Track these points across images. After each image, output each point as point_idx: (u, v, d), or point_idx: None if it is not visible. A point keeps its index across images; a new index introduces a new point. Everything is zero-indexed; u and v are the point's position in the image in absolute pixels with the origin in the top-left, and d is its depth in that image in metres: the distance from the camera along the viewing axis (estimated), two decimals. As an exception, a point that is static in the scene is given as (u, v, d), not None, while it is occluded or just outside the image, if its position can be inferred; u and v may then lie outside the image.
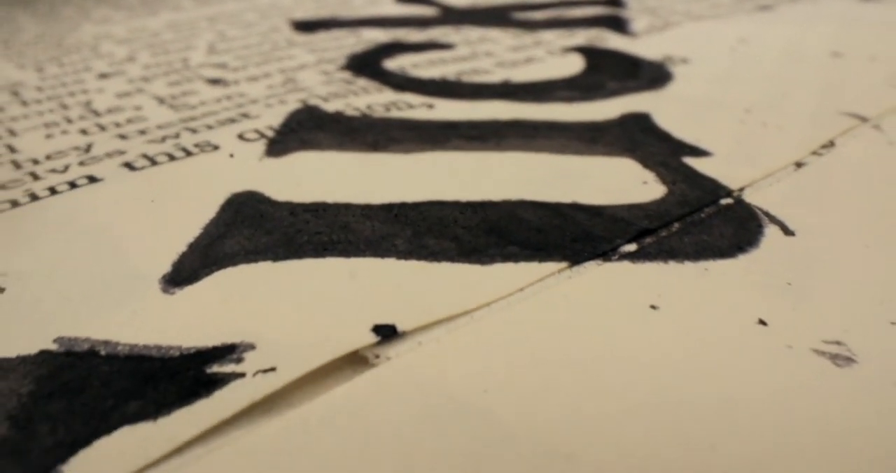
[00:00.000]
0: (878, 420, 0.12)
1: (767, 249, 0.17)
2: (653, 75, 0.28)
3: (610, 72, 0.29)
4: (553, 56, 0.31)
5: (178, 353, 0.14)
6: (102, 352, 0.14)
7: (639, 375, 0.13)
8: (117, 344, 0.14)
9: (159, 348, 0.14)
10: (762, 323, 0.14)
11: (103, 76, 0.31)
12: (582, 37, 0.33)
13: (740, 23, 0.36)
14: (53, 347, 0.14)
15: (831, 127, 0.23)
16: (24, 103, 0.28)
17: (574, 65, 0.30)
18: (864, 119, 0.24)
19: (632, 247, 0.17)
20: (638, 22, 0.36)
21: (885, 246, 0.17)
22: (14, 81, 0.31)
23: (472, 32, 0.35)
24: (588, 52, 0.31)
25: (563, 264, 0.16)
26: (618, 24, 0.35)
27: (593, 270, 0.16)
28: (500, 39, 0.33)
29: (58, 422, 0.12)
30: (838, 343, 0.14)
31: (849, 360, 0.13)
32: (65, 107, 0.27)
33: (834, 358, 0.13)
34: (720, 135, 0.23)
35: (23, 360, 0.14)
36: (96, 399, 0.13)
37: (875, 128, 0.23)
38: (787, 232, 0.17)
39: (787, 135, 0.23)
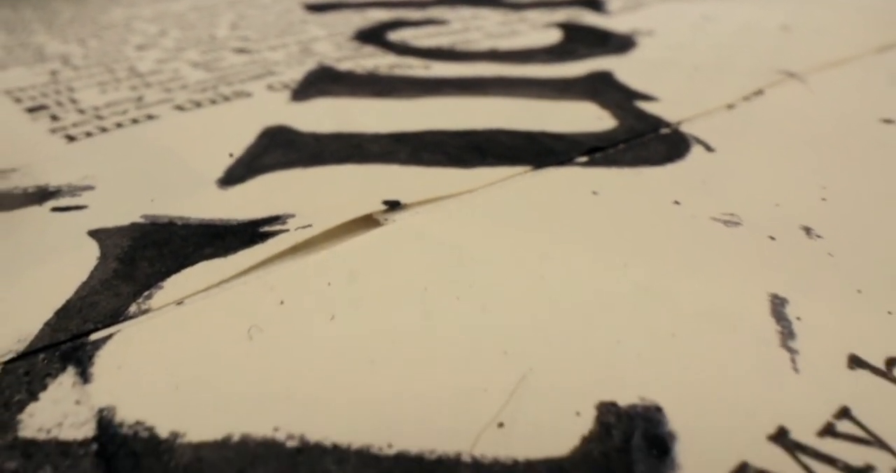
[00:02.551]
0: (750, 258, 0.17)
1: (691, 161, 0.22)
2: (620, 44, 0.33)
3: (583, 42, 0.34)
4: (535, 30, 0.36)
5: (235, 223, 0.19)
6: (179, 223, 0.19)
7: (579, 233, 0.18)
8: (189, 218, 0.19)
9: (221, 220, 0.19)
10: (676, 203, 0.19)
11: (140, 48, 0.36)
12: (562, 15, 0.39)
13: (705, 3, 0.41)
14: (140, 220, 0.19)
15: (764, 80, 0.28)
16: (76, 68, 0.33)
17: (553, 37, 0.35)
18: (792, 74, 0.29)
19: (583, 159, 0.22)
20: (613, 2, 0.41)
21: (786, 161, 0.22)
22: (62, 53, 0.36)
23: (466, 12, 0.40)
24: (566, 26, 0.37)
25: (528, 167, 0.21)
26: (594, 4, 0.40)
27: (551, 172, 0.21)
28: (489, 17, 0.39)
29: (153, 260, 0.17)
30: (731, 214, 0.19)
31: (736, 224, 0.18)
32: (111, 71, 0.32)
33: (725, 222, 0.18)
34: (669, 86, 0.28)
35: (119, 229, 0.19)
36: (179, 248, 0.18)
37: (801, 81, 0.29)
38: (709, 149, 0.23)
39: (725, 86, 0.28)
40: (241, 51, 0.34)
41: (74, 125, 0.26)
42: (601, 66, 0.30)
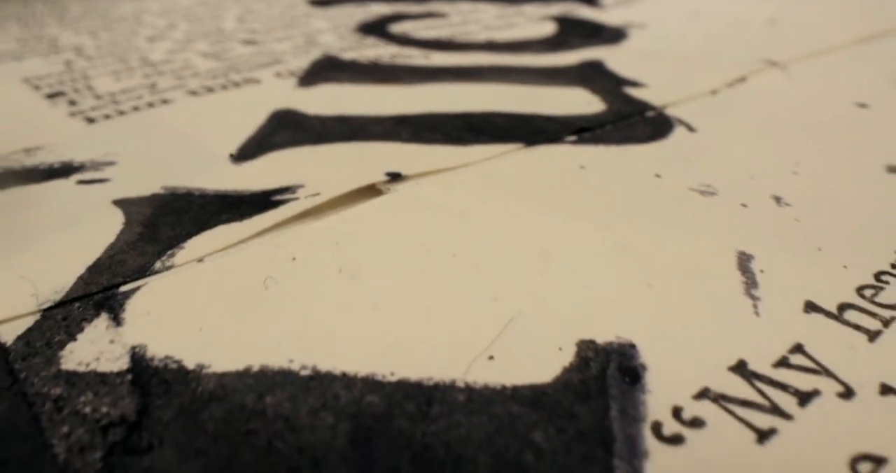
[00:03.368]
0: (722, 222, 0.19)
1: (673, 140, 0.24)
2: (612, 35, 0.35)
3: (576, 33, 0.36)
4: (531, 23, 0.38)
5: (249, 193, 0.21)
6: (196, 194, 0.21)
7: (566, 201, 0.20)
8: (205, 189, 0.21)
9: (236, 190, 0.21)
10: (657, 176, 0.21)
11: (151, 39, 0.38)
12: (557, 8, 0.40)
13: (697, -1, 0.43)
14: (161, 191, 0.21)
15: (747, 68, 0.30)
16: (89, 58, 0.35)
17: (547, 29, 0.37)
18: (775, 63, 0.31)
19: (573, 138, 0.24)
20: (607, -2, 0.43)
21: (763, 140, 0.24)
22: (75, 44, 0.38)
23: (464, 5, 0.42)
24: (560, 20, 0.38)
25: (521, 145, 0.23)
26: (589, -1, 0.42)
27: (542, 149, 0.23)
28: (487, 10, 0.40)
29: (174, 225, 0.19)
30: (708, 185, 0.21)
31: (712, 194, 0.20)
32: (124, 60, 0.34)
33: (702, 192, 0.20)
34: (657, 74, 0.30)
35: (141, 199, 0.21)
36: (197, 215, 0.20)
37: (782, 70, 0.30)
38: (691, 129, 0.24)
39: (710, 74, 0.30)
40: (248, 42, 0.36)
41: (93, 109, 0.28)
42: (593, 56, 0.32)
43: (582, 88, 0.28)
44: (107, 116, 0.27)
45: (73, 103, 0.28)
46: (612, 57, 0.32)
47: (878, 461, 0.12)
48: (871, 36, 0.35)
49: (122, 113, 0.27)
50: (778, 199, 0.20)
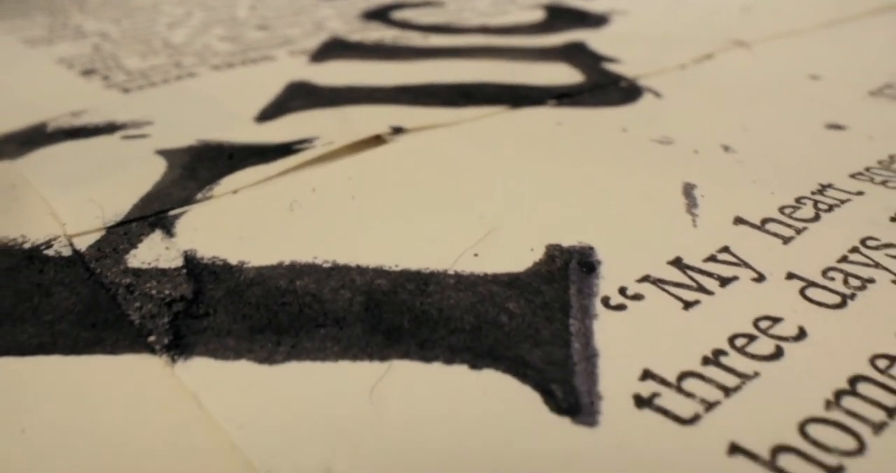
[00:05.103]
0: (674, 162, 0.22)
1: (642, 103, 0.28)
2: (595, 20, 0.39)
3: (563, 19, 0.40)
4: (522, 10, 0.42)
5: (273, 144, 0.24)
6: (226, 145, 0.25)
7: (542, 149, 0.24)
8: (234, 142, 0.25)
9: (261, 142, 0.25)
10: (624, 130, 0.25)
11: (170, 26, 0.42)
12: (547, -2, 0.45)
13: (678, -10, 0.47)
14: (196, 143, 0.25)
15: (715, 47, 0.34)
16: (115, 42, 0.39)
17: (537, 15, 0.41)
18: (741, 43, 0.35)
19: (553, 102, 0.28)
20: (594, -11, 0.47)
21: (721, 104, 0.28)
22: (100, 30, 0.42)
23: (460, -4, 0.46)
24: (550, 7, 0.42)
25: (507, 107, 0.27)
26: (577, -10, 0.46)
27: (525, 110, 0.27)
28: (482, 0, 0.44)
29: (210, 168, 0.23)
30: (666, 137, 0.24)
31: (669, 143, 0.24)
32: (147, 43, 0.38)
33: (660, 142, 0.24)
34: (634, 52, 0.34)
35: (179, 149, 0.24)
36: (228, 160, 0.23)
37: (747, 48, 0.34)
38: (658, 95, 0.28)
39: (680, 52, 0.34)
40: (261, 28, 0.40)
41: (125, 82, 0.31)
42: (576, 38, 0.36)
43: (564, 64, 0.32)
44: (140, 88, 0.30)
45: (106, 78, 0.32)
46: (593, 39, 0.36)
47: (776, 320, 0.16)
48: (835, 20, 0.39)
49: (153, 84, 0.31)
50: (726, 147, 0.24)
